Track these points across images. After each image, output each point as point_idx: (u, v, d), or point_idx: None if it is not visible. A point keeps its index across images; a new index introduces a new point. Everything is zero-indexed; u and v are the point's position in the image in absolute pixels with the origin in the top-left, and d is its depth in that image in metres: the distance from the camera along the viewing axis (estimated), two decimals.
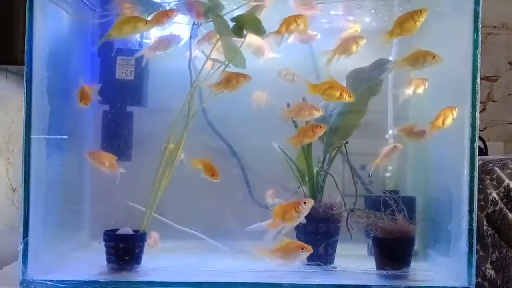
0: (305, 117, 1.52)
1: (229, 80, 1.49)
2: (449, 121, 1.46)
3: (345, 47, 1.55)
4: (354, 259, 1.61)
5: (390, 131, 1.60)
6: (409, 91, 1.59)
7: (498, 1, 2.16)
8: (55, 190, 1.52)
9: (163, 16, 1.49)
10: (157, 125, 1.73)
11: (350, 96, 1.46)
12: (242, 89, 1.69)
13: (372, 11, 1.70)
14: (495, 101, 2.21)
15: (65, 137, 1.58)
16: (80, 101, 1.47)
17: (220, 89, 1.49)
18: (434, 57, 1.45)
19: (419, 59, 1.46)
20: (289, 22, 1.49)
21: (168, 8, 1.53)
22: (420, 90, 1.58)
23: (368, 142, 1.74)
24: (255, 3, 1.51)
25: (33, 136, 1.39)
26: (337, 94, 1.46)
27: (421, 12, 1.42)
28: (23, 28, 1.41)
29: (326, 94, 1.47)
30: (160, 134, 1.64)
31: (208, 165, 1.51)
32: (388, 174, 1.82)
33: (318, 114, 1.51)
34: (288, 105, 1.61)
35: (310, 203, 1.39)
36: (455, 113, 1.46)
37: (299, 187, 1.62)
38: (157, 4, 1.58)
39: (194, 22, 1.59)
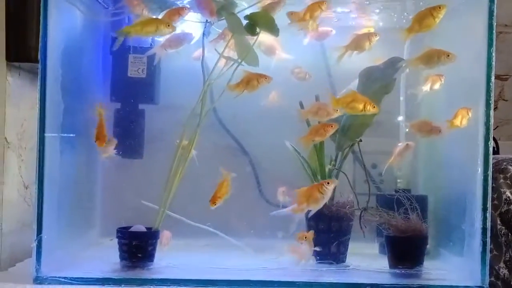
0: (323, 117, 1.51)
1: (250, 81, 1.48)
2: (465, 121, 1.46)
3: (357, 43, 1.54)
4: (366, 257, 1.61)
5: (403, 126, 1.59)
6: (426, 87, 1.58)
7: (510, 0, 2.15)
8: (67, 187, 1.53)
9: (175, 14, 1.49)
10: (168, 123, 1.73)
11: (374, 107, 1.46)
12: None
13: (382, 8, 1.70)
14: (506, 100, 2.20)
15: (72, 135, 1.59)
16: (96, 140, 1.47)
17: (240, 90, 1.49)
18: (448, 55, 1.44)
19: (433, 57, 1.45)
20: (313, 9, 1.49)
21: (180, 6, 1.53)
22: (436, 86, 1.57)
23: (379, 141, 1.74)
24: (270, 1, 1.50)
25: (47, 134, 1.39)
26: (361, 106, 1.46)
27: (440, 8, 1.41)
28: (37, 25, 1.42)
29: (350, 107, 1.47)
30: (171, 132, 1.64)
31: None
32: (400, 173, 1.81)
33: (336, 114, 1.50)
34: (301, 104, 1.61)
35: (334, 183, 1.39)
36: (470, 114, 1.46)
37: None
38: (170, 2, 1.58)
39: (206, 20, 1.59)
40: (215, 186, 1.75)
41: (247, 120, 1.82)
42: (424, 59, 1.47)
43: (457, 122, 1.46)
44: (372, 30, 1.71)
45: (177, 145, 1.56)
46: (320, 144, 1.61)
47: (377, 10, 1.72)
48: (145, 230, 1.52)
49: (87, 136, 1.66)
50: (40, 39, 1.38)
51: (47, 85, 1.39)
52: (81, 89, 1.63)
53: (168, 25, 1.45)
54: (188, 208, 1.72)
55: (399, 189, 1.64)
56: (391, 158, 1.63)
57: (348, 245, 1.58)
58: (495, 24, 1.40)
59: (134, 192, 1.79)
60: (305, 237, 1.44)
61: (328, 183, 1.39)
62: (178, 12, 1.48)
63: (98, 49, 1.75)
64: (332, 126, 1.50)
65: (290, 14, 1.50)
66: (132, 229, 1.51)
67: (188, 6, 1.50)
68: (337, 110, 1.50)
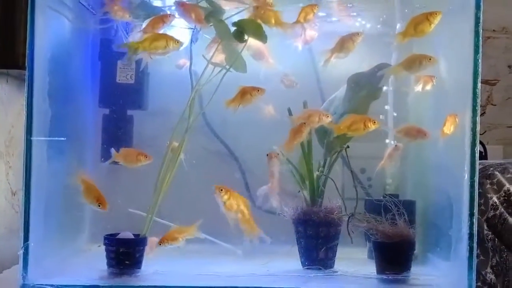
0: (315, 123, 1.52)
1: (244, 94, 1.49)
2: (454, 127, 1.47)
3: (342, 45, 1.54)
4: (354, 263, 1.61)
5: (389, 132, 1.60)
6: (417, 88, 1.59)
7: (497, 5, 2.16)
8: (55, 194, 1.52)
9: (159, 21, 1.49)
10: (157, 128, 1.73)
11: (375, 122, 1.48)
12: None
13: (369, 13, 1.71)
14: (495, 105, 2.22)
15: (63, 139, 1.59)
16: (100, 206, 1.47)
17: (236, 104, 1.50)
18: (430, 59, 1.46)
19: (415, 62, 1.47)
20: (306, 12, 1.50)
21: (164, 13, 1.53)
22: (428, 87, 1.58)
23: (368, 146, 1.75)
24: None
25: (33, 138, 1.39)
26: (362, 126, 1.48)
27: (436, 14, 1.42)
28: (24, 32, 1.42)
29: (352, 129, 1.49)
30: (161, 137, 1.64)
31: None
32: (388, 178, 1.82)
33: (328, 119, 1.51)
34: (289, 111, 1.61)
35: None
36: (457, 120, 1.47)
37: (299, 191, 1.62)
38: (156, 8, 1.58)
39: (194, 26, 1.59)
40: (205, 192, 1.77)
41: (237, 125, 1.82)
42: (407, 65, 1.48)
43: (447, 129, 1.47)
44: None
45: (165, 150, 1.56)
46: (308, 150, 1.62)
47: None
48: (132, 237, 1.52)
49: (75, 142, 1.67)
50: (27, 46, 1.38)
51: (34, 92, 1.38)
52: (69, 96, 1.62)
53: (177, 42, 1.45)
54: (177, 214, 1.72)
55: (387, 194, 1.64)
56: (382, 161, 1.64)
57: (336, 250, 1.58)
58: (481, 30, 1.41)
59: (123, 198, 1.79)
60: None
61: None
62: (162, 19, 1.48)
63: (86, 55, 1.75)
64: (328, 116, 1.51)
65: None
66: (119, 236, 1.51)
67: (172, 13, 1.50)
68: (328, 116, 1.51)
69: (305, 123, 1.50)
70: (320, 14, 1.67)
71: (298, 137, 1.51)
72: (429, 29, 1.44)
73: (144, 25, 1.51)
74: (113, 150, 1.53)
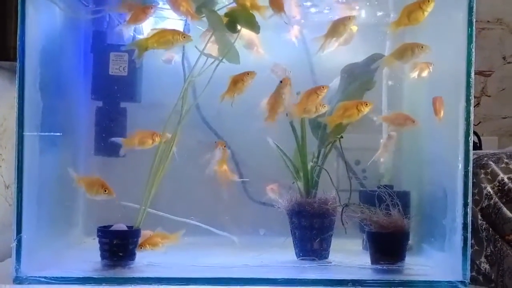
0: (312, 113, 1.51)
1: (236, 83, 1.48)
2: (443, 109, 1.47)
3: (334, 30, 1.53)
4: (349, 254, 1.61)
5: (374, 119, 1.59)
6: (414, 75, 1.58)
7: None
8: (48, 186, 1.51)
9: (140, 13, 1.48)
10: (151, 121, 1.72)
11: (367, 104, 1.47)
12: None
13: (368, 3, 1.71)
14: (489, 96, 2.22)
15: (58, 134, 1.58)
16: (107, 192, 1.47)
17: (231, 95, 1.49)
18: (422, 47, 1.45)
19: (407, 51, 1.46)
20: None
21: (146, 4, 1.50)
22: (424, 74, 1.57)
23: (363, 137, 1.75)
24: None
25: (26, 133, 1.38)
26: (355, 111, 1.47)
27: (429, 1, 1.41)
28: (16, 24, 1.40)
29: (346, 116, 1.48)
30: (154, 130, 1.63)
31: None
32: (383, 169, 1.82)
33: (324, 109, 1.50)
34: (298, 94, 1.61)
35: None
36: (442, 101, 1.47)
37: (293, 182, 1.62)
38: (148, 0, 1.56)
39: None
40: (200, 183, 1.77)
41: (231, 117, 1.82)
42: (399, 55, 1.47)
43: (439, 112, 1.47)
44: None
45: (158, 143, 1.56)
46: (302, 141, 1.61)
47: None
48: (126, 228, 1.51)
49: (68, 135, 1.66)
50: (17, 38, 1.37)
51: (25, 84, 1.37)
52: (61, 88, 1.62)
53: (184, 36, 1.44)
54: (171, 206, 1.72)
55: (381, 185, 1.64)
56: (379, 152, 1.65)
57: (330, 241, 1.58)
58: (474, 20, 1.40)
59: (117, 190, 1.78)
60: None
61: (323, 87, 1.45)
62: (144, 11, 1.47)
63: (79, 47, 1.74)
64: (323, 87, 1.50)
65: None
66: (112, 228, 1.51)
67: (153, 4, 1.48)
68: (324, 106, 1.50)
69: (323, 87, 1.49)
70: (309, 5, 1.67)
71: (312, 102, 1.49)
72: (422, 17, 1.43)
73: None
74: (120, 139, 1.53)
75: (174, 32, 1.44)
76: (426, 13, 1.42)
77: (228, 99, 1.52)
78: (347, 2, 1.68)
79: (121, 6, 1.52)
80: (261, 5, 1.47)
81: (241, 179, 1.79)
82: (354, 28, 1.64)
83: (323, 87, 1.50)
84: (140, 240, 1.49)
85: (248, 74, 1.48)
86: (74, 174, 1.48)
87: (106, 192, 1.46)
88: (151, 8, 1.46)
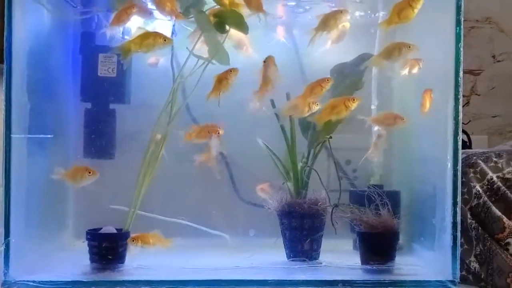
0: (304, 113, 1.51)
1: (221, 81, 1.47)
2: (430, 103, 1.48)
3: (325, 23, 1.53)
4: (340, 254, 1.61)
5: (362, 118, 1.59)
6: (404, 71, 1.58)
7: None
8: (37, 189, 1.51)
9: (123, 14, 1.47)
10: (141, 122, 1.71)
11: (354, 99, 1.47)
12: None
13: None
14: (479, 95, 2.22)
15: (49, 136, 1.57)
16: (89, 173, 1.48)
17: (217, 93, 1.48)
18: (409, 46, 1.45)
19: (394, 51, 1.46)
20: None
21: (127, 5, 1.48)
22: (415, 71, 1.57)
23: (353, 137, 1.75)
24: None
25: (14, 136, 1.38)
26: (343, 107, 1.47)
27: None
28: (2, 26, 1.39)
29: (335, 114, 1.48)
30: (144, 131, 1.63)
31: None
32: (373, 169, 1.82)
33: (316, 108, 1.50)
34: (272, 102, 1.60)
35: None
36: (432, 96, 1.48)
37: (283, 182, 1.62)
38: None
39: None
40: (189, 185, 1.77)
41: (221, 118, 1.81)
42: (386, 55, 1.47)
43: (425, 107, 1.47)
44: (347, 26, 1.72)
45: (148, 144, 1.55)
46: (292, 142, 1.61)
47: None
48: (115, 231, 1.51)
49: (57, 137, 1.65)
50: (4, 39, 1.36)
51: (12, 86, 1.37)
52: (49, 90, 1.61)
53: (166, 39, 1.44)
54: (161, 207, 1.72)
55: (371, 185, 1.64)
56: (369, 151, 1.65)
57: (321, 242, 1.58)
58: (463, 19, 1.41)
59: (107, 192, 1.77)
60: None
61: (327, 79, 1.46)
62: (126, 11, 1.46)
63: (67, 49, 1.73)
64: (328, 80, 1.49)
65: None
66: (102, 231, 1.50)
67: (134, 4, 1.47)
68: (317, 104, 1.50)
69: (328, 79, 1.49)
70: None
71: (315, 94, 1.49)
72: (412, 15, 1.43)
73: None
74: (182, 132, 1.52)
75: (155, 35, 1.44)
76: (416, 10, 1.42)
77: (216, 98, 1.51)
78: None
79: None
80: (240, 3, 1.46)
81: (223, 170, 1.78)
82: (347, 24, 1.64)
83: (327, 80, 1.49)
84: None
85: (231, 71, 1.48)
86: (60, 172, 1.47)
87: (91, 173, 1.45)
88: (133, 7, 1.45)
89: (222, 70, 1.55)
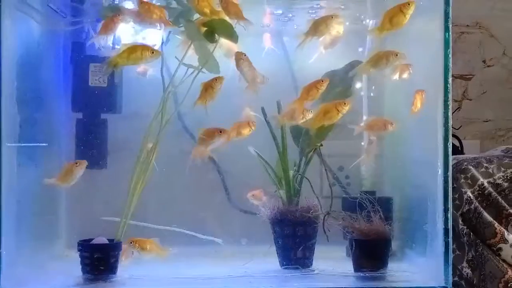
0: (299, 120, 1.51)
1: (207, 89, 1.48)
2: (421, 103, 1.48)
3: (316, 28, 1.52)
4: (333, 261, 1.61)
5: (355, 129, 1.60)
6: (394, 76, 1.58)
7: (470, 0, 2.18)
8: (28, 200, 1.50)
9: (110, 23, 1.47)
10: (132, 131, 1.71)
11: (345, 103, 1.47)
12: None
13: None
14: (470, 100, 2.23)
15: (44, 144, 1.57)
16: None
17: (203, 101, 1.48)
18: (396, 54, 1.46)
19: (381, 60, 1.47)
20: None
21: (113, 15, 1.49)
22: (405, 76, 1.57)
23: (345, 144, 1.75)
24: None
25: (8, 144, 1.37)
26: (334, 112, 1.47)
27: (409, 4, 1.42)
28: None
29: (327, 118, 1.48)
30: (135, 140, 1.62)
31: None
32: (365, 176, 1.82)
33: (310, 115, 1.50)
34: (263, 110, 1.60)
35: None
36: (424, 96, 1.48)
37: (275, 190, 1.62)
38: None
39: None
40: (182, 194, 1.77)
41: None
42: (374, 63, 1.48)
43: (415, 107, 1.48)
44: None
45: (138, 153, 1.55)
46: (283, 149, 1.61)
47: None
48: (107, 242, 1.50)
49: (49, 147, 1.64)
50: None
51: (1, 97, 1.36)
52: (40, 100, 1.61)
53: (153, 52, 1.44)
54: (153, 216, 1.72)
55: (364, 192, 1.64)
56: (362, 157, 1.66)
57: (314, 249, 1.58)
58: (451, 26, 1.41)
59: (99, 202, 1.77)
60: None
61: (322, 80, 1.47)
62: (113, 20, 1.46)
63: (58, 59, 1.73)
64: (323, 81, 1.49)
65: None
66: (93, 242, 1.49)
67: (120, 13, 1.47)
68: (310, 112, 1.50)
69: (323, 80, 1.49)
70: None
71: (312, 97, 1.49)
72: (404, 21, 1.43)
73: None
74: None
75: (143, 47, 1.44)
76: (408, 16, 1.43)
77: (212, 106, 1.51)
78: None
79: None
80: (219, 10, 1.46)
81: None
82: (340, 29, 1.65)
83: (322, 81, 1.49)
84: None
85: (216, 79, 1.48)
86: (49, 181, 1.48)
87: (77, 164, 1.47)
88: (119, 16, 1.45)
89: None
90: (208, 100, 1.47)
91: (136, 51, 1.43)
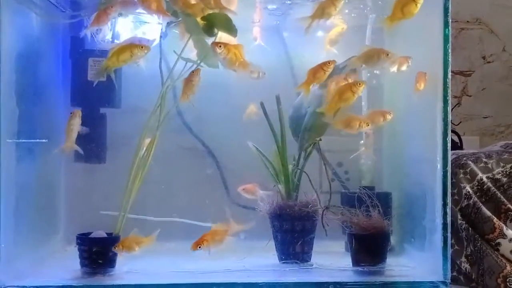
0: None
1: (187, 85, 1.47)
2: (424, 84, 1.47)
3: (322, 10, 1.48)
4: (332, 256, 1.61)
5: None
6: (393, 69, 1.58)
7: None
8: (26, 194, 1.50)
9: (103, 15, 1.45)
10: (131, 126, 1.71)
11: (360, 84, 1.45)
12: (216, 88, 1.71)
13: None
14: (470, 96, 2.23)
15: (44, 140, 1.57)
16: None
17: (186, 97, 1.47)
18: (387, 54, 1.45)
19: (372, 57, 1.46)
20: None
21: (107, 5, 1.46)
22: (404, 68, 1.56)
23: (344, 139, 1.75)
24: None
25: (8, 140, 1.37)
26: (349, 93, 1.45)
27: None
28: None
29: (343, 100, 1.46)
30: (135, 135, 1.62)
31: None
32: (364, 170, 1.82)
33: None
34: (262, 105, 1.60)
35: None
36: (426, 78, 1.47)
37: (274, 185, 1.62)
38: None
39: (167, 22, 1.56)
40: (180, 188, 1.76)
41: (212, 121, 1.82)
42: (365, 60, 1.47)
43: (419, 86, 1.47)
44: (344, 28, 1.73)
45: (136, 148, 1.55)
46: (282, 144, 1.61)
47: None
48: (105, 235, 1.50)
49: (48, 141, 1.64)
50: None
51: (0, 91, 1.36)
52: (39, 94, 1.60)
53: (142, 47, 1.42)
54: (151, 211, 1.72)
55: (363, 187, 1.64)
56: (360, 151, 1.66)
57: (312, 244, 1.58)
58: (450, 21, 1.41)
59: (98, 197, 1.77)
60: None
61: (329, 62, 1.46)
62: (106, 12, 1.44)
63: (57, 53, 1.73)
64: (329, 63, 1.48)
65: None
66: (92, 235, 1.49)
67: (113, 4, 1.45)
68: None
69: (329, 62, 1.48)
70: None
71: (319, 79, 1.47)
72: (415, 10, 1.40)
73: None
74: None
75: (131, 46, 1.42)
76: (419, 5, 1.40)
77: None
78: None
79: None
80: (193, 3, 1.45)
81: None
82: (344, 27, 1.66)
83: (329, 62, 1.48)
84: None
85: (193, 73, 1.47)
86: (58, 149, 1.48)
87: (71, 115, 1.47)
88: (112, 7, 1.44)
89: (214, 72, 1.55)
90: (189, 95, 1.46)
91: (125, 51, 1.41)
